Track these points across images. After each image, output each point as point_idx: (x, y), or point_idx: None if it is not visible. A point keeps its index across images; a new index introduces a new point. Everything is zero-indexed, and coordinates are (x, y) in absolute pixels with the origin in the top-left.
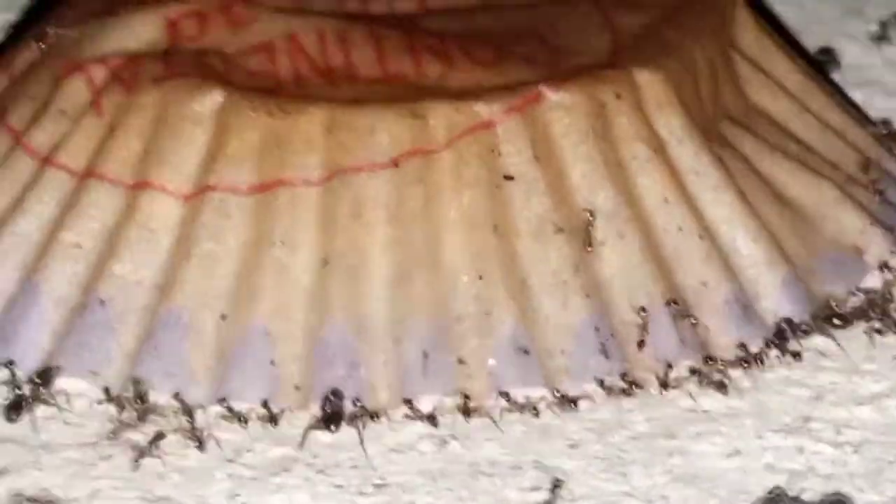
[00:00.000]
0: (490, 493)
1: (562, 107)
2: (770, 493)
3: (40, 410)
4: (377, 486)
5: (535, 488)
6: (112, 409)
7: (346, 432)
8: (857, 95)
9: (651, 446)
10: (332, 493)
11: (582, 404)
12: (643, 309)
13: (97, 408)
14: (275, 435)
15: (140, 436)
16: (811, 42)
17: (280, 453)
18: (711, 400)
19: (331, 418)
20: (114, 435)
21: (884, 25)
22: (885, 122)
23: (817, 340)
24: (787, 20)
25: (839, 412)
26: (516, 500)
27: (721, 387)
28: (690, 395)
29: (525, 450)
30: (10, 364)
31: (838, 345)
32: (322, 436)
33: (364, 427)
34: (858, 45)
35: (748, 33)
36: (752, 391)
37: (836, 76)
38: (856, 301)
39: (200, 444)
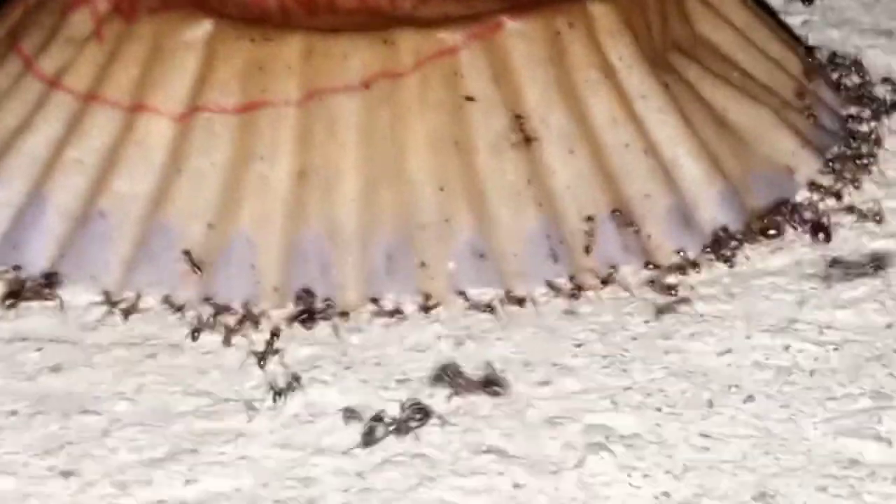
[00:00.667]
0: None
1: (520, 34)
2: None
3: (91, 314)
4: (399, 381)
5: (544, 382)
6: (167, 311)
7: (372, 333)
8: (833, 34)
9: (649, 346)
10: (358, 387)
11: (584, 307)
12: (590, 218)
13: (145, 311)
14: (305, 335)
15: (179, 336)
16: None
17: (310, 352)
18: (704, 304)
19: (305, 316)
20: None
21: None
22: (857, 62)
23: (803, 250)
24: None
25: (821, 315)
26: (526, 393)
27: (670, 289)
28: (685, 300)
29: (534, 349)
30: (16, 268)
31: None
32: (349, 336)
33: (335, 322)
34: None
35: None
36: (742, 296)
37: (813, 16)
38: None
39: (227, 340)
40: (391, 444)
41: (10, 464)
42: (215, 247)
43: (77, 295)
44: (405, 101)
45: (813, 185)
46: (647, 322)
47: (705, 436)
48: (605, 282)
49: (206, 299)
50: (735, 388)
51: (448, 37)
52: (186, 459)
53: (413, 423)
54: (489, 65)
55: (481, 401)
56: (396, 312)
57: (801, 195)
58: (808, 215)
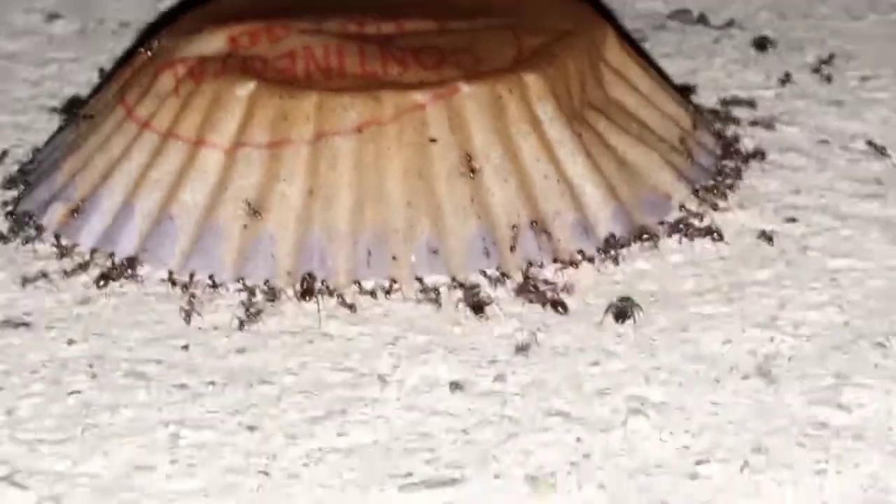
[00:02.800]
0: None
1: (471, 96)
2: None
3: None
4: (490, 362)
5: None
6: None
7: (468, 326)
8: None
9: (670, 337)
10: (460, 366)
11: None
12: (515, 226)
13: (306, 309)
14: (423, 326)
15: (328, 327)
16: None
17: (425, 339)
18: (711, 307)
19: (305, 292)
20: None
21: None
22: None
23: (780, 265)
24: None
25: (797, 314)
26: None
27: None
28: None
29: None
30: (111, 255)
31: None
32: (452, 328)
33: (324, 299)
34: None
35: (613, 51)
36: (737, 301)
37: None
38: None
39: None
40: (486, 409)
41: (211, 420)
42: (248, 242)
43: (150, 274)
44: (386, 142)
45: (682, 207)
46: (667, 319)
47: (714, 404)
48: (526, 278)
49: (240, 279)
50: (735, 369)
51: (419, 96)
52: (337, 418)
53: (498, 391)
54: (448, 117)
55: (550, 375)
56: (371, 293)
57: (673, 215)
58: (677, 227)
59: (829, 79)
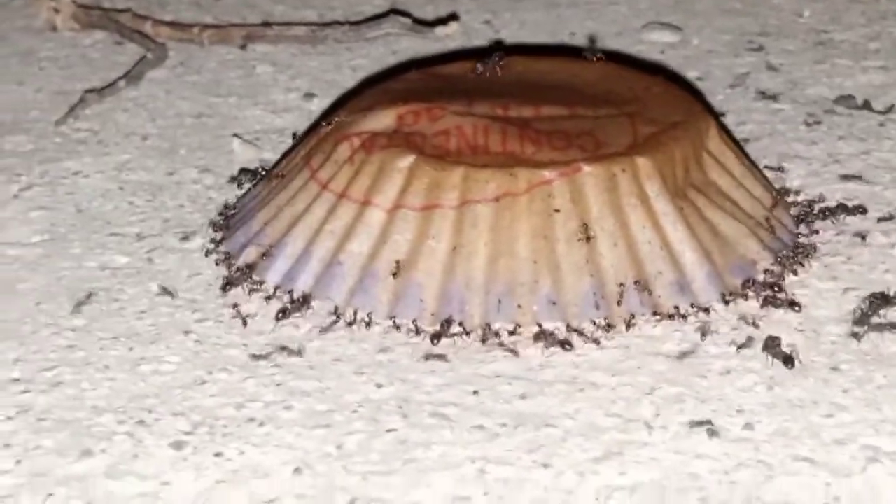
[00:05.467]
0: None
1: (590, 174)
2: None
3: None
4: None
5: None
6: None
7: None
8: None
9: (888, 392)
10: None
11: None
12: (622, 284)
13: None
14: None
15: (596, 377)
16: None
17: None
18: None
19: (441, 333)
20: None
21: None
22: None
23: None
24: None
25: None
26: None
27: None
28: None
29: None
30: (290, 291)
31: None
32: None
33: (462, 338)
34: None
35: (714, 141)
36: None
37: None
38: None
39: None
40: (741, 453)
41: (509, 457)
42: (400, 287)
43: (318, 309)
44: (518, 210)
45: (766, 272)
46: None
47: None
48: (628, 326)
49: (392, 317)
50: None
51: (547, 173)
52: (616, 459)
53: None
54: (570, 191)
55: (791, 424)
56: (496, 335)
57: (759, 277)
58: (762, 288)
59: None
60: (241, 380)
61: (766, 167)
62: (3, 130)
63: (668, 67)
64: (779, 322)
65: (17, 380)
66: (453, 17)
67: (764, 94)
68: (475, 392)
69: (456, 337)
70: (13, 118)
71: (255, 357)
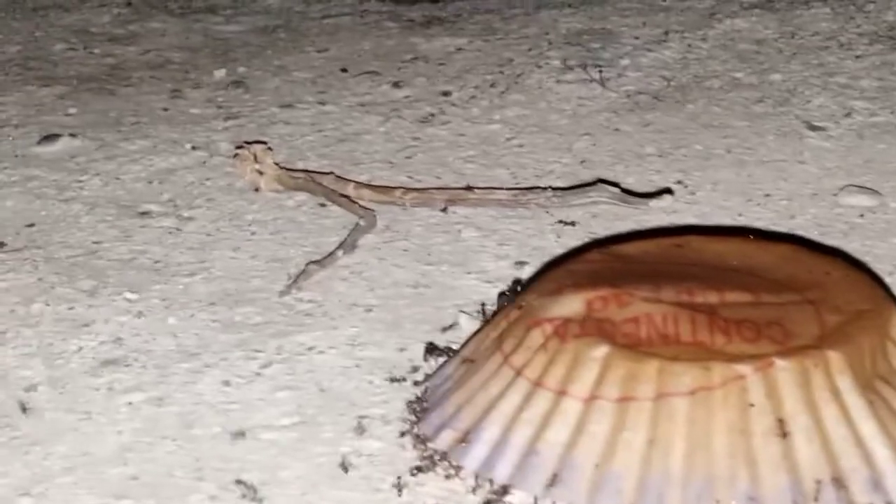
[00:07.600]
0: None
1: (784, 369)
2: None
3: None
4: None
5: None
6: None
7: None
8: None
9: None
10: None
11: None
12: (818, 481)
13: None
14: None
15: None
16: None
17: None
18: None
19: None
20: None
21: None
22: None
23: None
24: None
25: None
26: None
27: None
28: None
29: None
30: (490, 481)
31: None
32: None
33: None
34: None
35: None
36: None
37: None
38: None
39: None
40: None
41: None
42: (600, 477)
43: (523, 500)
44: (714, 404)
45: None
46: None
47: None
48: None
49: None
50: None
51: (741, 368)
52: None
53: None
54: (764, 385)
55: None
56: None
57: None
58: None
59: None
60: None
61: None
62: (231, 301)
63: (842, 249)
64: None
65: None
66: (667, 190)
67: None
68: None
69: None
70: (237, 287)
71: None
